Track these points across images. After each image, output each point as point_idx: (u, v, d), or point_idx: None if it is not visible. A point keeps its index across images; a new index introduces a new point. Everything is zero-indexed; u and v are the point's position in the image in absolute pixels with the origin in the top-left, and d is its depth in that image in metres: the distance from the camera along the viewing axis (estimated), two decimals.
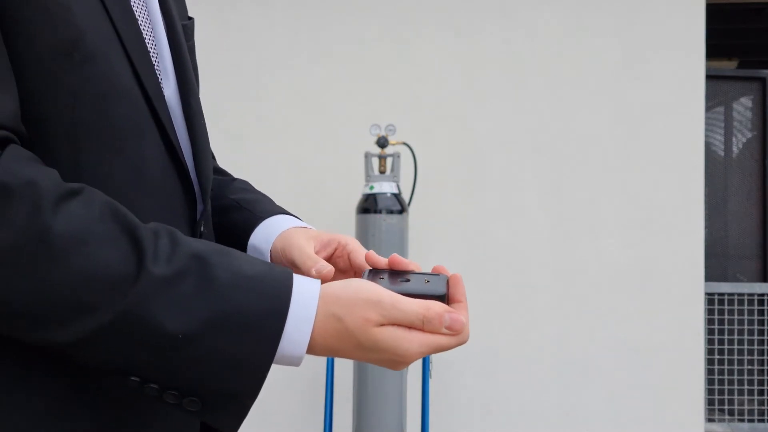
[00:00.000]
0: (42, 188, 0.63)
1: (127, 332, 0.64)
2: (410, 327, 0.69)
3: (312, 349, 0.69)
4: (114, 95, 0.71)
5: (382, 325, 0.68)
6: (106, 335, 0.64)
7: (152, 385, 0.66)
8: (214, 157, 1.01)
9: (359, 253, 0.83)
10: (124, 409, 0.71)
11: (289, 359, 0.68)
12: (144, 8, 0.78)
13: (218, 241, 0.82)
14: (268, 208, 0.92)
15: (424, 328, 0.69)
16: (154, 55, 0.78)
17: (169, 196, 0.76)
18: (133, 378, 0.66)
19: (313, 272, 0.79)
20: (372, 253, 0.81)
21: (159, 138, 0.75)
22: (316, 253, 0.84)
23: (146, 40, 0.77)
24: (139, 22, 0.76)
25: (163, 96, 0.76)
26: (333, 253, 0.85)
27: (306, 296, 0.68)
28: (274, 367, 0.67)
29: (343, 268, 0.86)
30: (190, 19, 0.93)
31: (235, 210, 0.92)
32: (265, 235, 0.88)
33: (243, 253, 0.70)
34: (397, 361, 0.70)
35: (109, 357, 0.65)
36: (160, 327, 0.64)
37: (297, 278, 0.69)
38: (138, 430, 0.73)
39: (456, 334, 0.70)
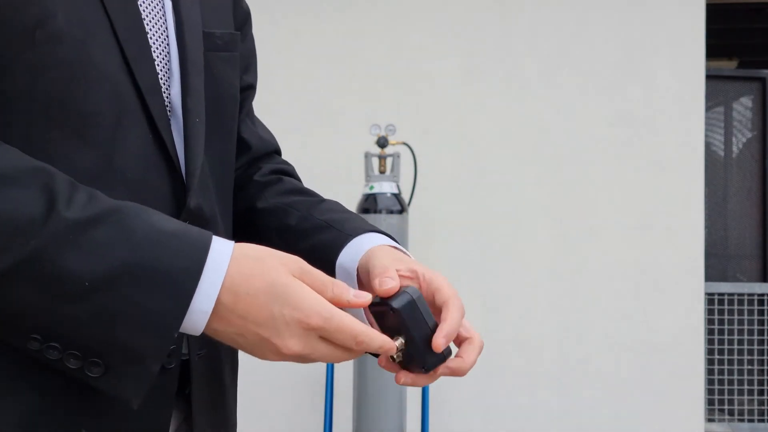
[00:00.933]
0: None
1: (32, 277, 0.61)
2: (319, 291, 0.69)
3: (219, 304, 0.66)
4: (86, 80, 0.70)
5: (296, 278, 0.68)
6: (9, 281, 0.61)
7: (54, 344, 0.63)
8: (287, 173, 1.00)
9: (445, 293, 0.78)
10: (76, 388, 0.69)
11: (195, 318, 0.66)
12: (161, 8, 0.79)
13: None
14: (357, 226, 0.87)
15: (334, 290, 0.69)
16: (163, 54, 0.78)
17: (150, 190, 0.75)
18: (33, 336, 0.63)
19: (376, 282, 0.75)
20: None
21: (148, 132, 0.75)
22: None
23: (153, 37, 0.76)
24: (149, 19, 0.76)
25: (160, 92, 0.76)
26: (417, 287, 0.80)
27: (221, 253, 0.67)
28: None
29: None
30: (238, 31, 0.92)
31: (323, 230, 0.87)
32: (353, 254, 0.83)
33: (162, 213, 0.68)
34: (295, 320, 0.66)
35: (11, 307, 0.63)
36: (67, 272, 0.61)
37: (215, 238, 0.68)
38: (83, 412, 0.70)
39: (359, 305, 0.69)
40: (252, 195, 0.96)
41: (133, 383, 0.65)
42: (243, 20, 0.97)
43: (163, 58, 0.78)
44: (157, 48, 0.77)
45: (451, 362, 0.75)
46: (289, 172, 1.01)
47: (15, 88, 0.68)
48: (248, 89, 0.99)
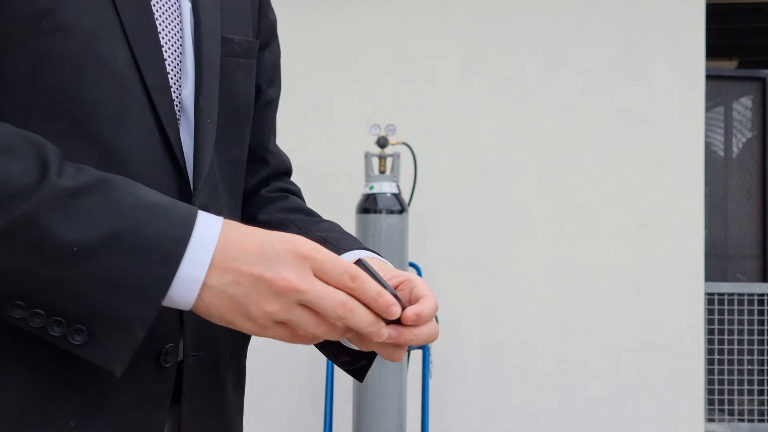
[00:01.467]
0: None
1: (21, 241, 0.62)
2: None
3: (213, 255, 0.66)
4: (92, 73, 0.71)
5: None
6: None
7: (38, 311, 0.64)
8: (294, 193, 1.02)
9: (422, 288, 0.79)
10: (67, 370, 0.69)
11: (187, 286, 0.66)
12: (176, 8, 0.80)
13: None
14: (350, 244, 0.89)
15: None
16: (176, 54, 0.79)
17: (154, 187, 0.74)
18: (17, 302, 0.64)
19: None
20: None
21: (155, 129, 0.75)
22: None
23: (165, 37, 0.77)
24: (162, 19, 0.77)
25: (169, 91, 0.77)
26: (398, 286, 0.82)
27: (211, 222, 0.67)
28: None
29: (404, 299, 0.82)
30: (262, 40, 0.93)
31: (319, 244, 0.90)
32: None
33: (149, 188, 0.69)
34: (285, 249, 0.67)
35: None
36: (55, 236, 0.62)
37: (201, 212, 0.68)
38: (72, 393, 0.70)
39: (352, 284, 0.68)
40: (255, 207, 0.97)
41: (116, 350, 0.65)
42: (270, 32, 0.98)
43: (176, 59, 0.79)
44: (169, 48, 0.78)
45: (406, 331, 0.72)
46: (295, 192, 1.03)
47: (15, 75, 0.69)
48: (271, 104, 1.00)
